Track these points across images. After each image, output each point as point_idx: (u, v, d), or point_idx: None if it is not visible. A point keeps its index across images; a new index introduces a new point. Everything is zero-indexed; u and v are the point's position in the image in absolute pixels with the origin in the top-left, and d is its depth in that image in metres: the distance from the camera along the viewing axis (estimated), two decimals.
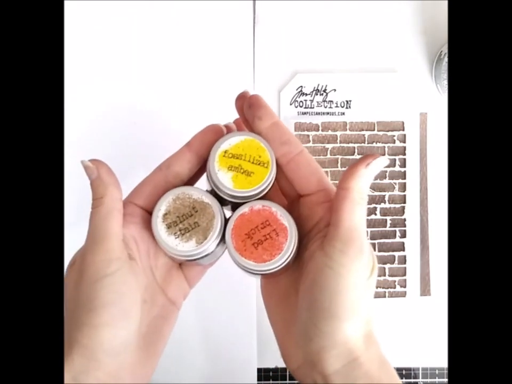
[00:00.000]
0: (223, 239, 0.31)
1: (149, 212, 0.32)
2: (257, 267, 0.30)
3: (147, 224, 0.32)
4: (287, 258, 0.30)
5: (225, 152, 0.31)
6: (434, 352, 0.53)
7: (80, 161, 0.31)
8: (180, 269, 0.34)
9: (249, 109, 0.31)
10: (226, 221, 0.31)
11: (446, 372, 0.53)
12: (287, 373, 0.54)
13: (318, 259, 0.30)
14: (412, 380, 0.53)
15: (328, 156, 0.54)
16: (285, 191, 0.33)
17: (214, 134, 0.31)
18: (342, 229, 0.29)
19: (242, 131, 0.33)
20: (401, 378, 0.53)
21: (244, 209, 0.31)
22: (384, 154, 0.54)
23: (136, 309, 0.30)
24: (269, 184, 0.31)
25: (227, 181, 0.30)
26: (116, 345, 0.29)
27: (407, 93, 0.54)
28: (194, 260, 0.31)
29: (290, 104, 0.54)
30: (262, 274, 0.31)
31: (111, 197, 0.30)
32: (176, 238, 0.30)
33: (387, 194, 0.54)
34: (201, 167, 0.33)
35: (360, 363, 0.29)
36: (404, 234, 0.54)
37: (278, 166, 0.31)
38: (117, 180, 0.31)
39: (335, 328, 0.29)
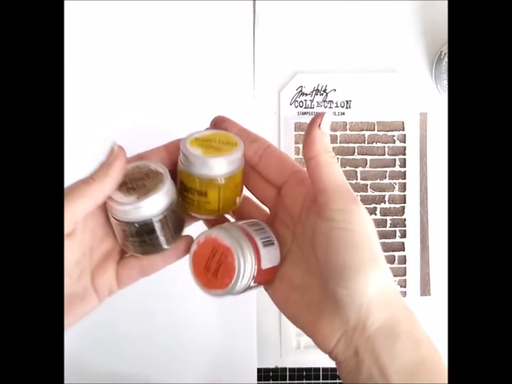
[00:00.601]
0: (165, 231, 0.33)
1: None
2: (227, 292, 0.31)
3: (104, 206, 0.33)
4: (245, 270, 0.31)
5: (196, 138, 0.33)
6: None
7: (113, 142, 0.33)
8: (116, 264, 0.35)
9: (215, 126, 0.35)
10: (173, 194, 0.33)
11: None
12: (287, 373, 0.54)
13: (322, 228, 0.30)
14: None
15: None
16: (264, 194, 0.35)
17: None
18: (329, 190, 0.30)
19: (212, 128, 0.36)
20: None
21: (193, 247, 0.33)
22: (384, 155, 0.54)
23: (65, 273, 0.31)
24: (238, 158, 0.32)
25: (197, 151, 0.32)
26: None
27: (407, 93, 0.54)
28: (128, 222, 0.32)
29: (290, 104, 0.54)
30: (245, 291, 0.32)
31: (100, 187, 0.31)
32: (120, 193, 0.32)
33: (387, 194, 0.54)
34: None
35: (400, 319, 0.30)
36: (404, 234, 0.54)
37: (252, 166, 0.34)
38: (119, 178, 0.32)
39: (365, 282, 0.29)
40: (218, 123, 0.35)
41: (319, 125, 0.31)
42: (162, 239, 0.33)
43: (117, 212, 0.32)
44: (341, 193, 0.30)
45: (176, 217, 0.33)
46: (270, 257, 0.33)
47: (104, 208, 0.34)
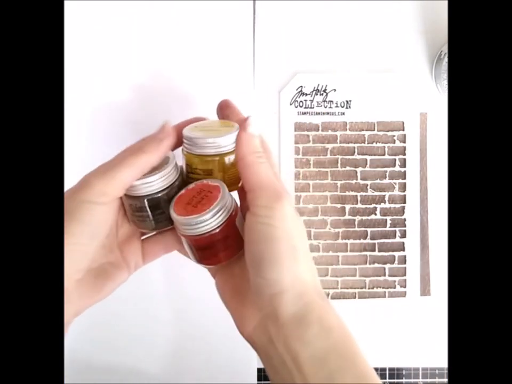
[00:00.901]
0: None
1: None
2: (202, 216, 0.33)
3: None
4: (225, 204, 0.34)
5: (196, 126, 0.37)
6: (434, 352, 0.53)
7: (165, 121, 0.36)
8: (140, 241, 0.38)
9: (220, 110, 0.39)
10: (179, 178, 0.36)
11: (446, 372, 0.53)
12: None
13: (248, 222, 0.33)
14: (412, 380, 0.53)
15: (328, 155, 0.54)
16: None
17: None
18: (254, 189, 0.33)
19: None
20: (402, 378, 0.53)
21: (181, 192, 0.35)
22: (384, 155, 0.54)
23: (98, 240, 0.34)
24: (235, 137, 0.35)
25: (198, 133, 0.35)
26: (76, 255, 0.33)
27: (407, 93, 0.54)
28: (136, 197, 0.35)
29: (290, 104, 0.54)
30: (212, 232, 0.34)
31: (149, 159, 0.34)
32: None
33: (387, 194, 0.54)
34: None
35: (312, 308, 0.31)
36: (403, 234, 0.54)
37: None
38: (166, 154, 0.36)
39: (280, 273, 0.32)
40: (223, 108, 0.39)
41: (246, 127, 0.33)
42: (167, 215, 0.35)
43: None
44: (265, 191, 0.32)
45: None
46: (239, 219, 0.35)
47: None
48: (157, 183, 0.34)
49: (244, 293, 0.35)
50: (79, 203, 0.32)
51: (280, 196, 0.32)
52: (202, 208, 0.33)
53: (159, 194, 0.35)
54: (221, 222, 0.33)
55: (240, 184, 0.37)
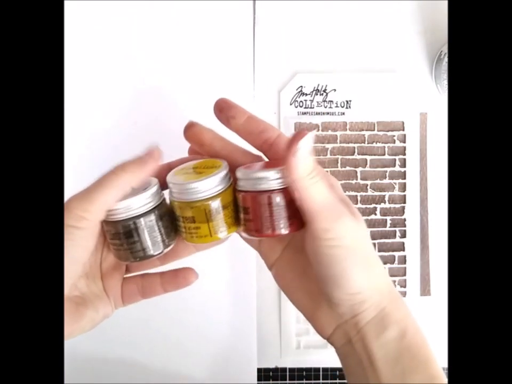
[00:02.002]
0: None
1: None
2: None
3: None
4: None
5: (182, 168, 0.34)
6: (434, 352, 0.53)
7: (154, 144, 0.33)
8: (122, 278, 0.36)
9: (220, 113, 0.34)
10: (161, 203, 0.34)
11: (446, 371, 0.53)
12: (287, 373, 0.54)
13: (312, 245, 0.32)
14: None
15: (328, 155, 0.54)
16: None
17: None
18: (312, 212, 0.31)
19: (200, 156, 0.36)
20: None
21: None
22: (384, 155, 0.54)
23: (78, 266, 0.32)
24: (218, 179, 0.32)
25: (179, 178, 0.33)
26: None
27: (407, 93, 0.54)
28: (112, 222, 0.32)
29: (290, 104, 0.54)
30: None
31: (129, 179, 0.32)
32: None
33: (387, 194, 0.54)
34: None
35: (389, 312, 0.33)
36: (404, 234, 0.54)
37: (263, 153, 0.34)
38: (148, 177, 0.33)
39: (358, 287, 0.32)
40: (225, 110, 0.34)
41: (296, 152, 0.30)
42: (146, 243, 0.33)
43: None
44: (324, 213, 0.31)
45: (163, 223, 0.34)
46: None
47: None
48: (134, 206, 0.32)
49: (314, 294, 0.34)
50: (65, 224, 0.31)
51: (338, 214, 0.31)
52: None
53: (135, 220, 0.32)
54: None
55: (231, 231, 0.34)
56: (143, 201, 0.32)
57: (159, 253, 0.33)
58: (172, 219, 0.34)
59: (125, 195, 0.32)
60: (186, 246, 0.36)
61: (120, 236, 0.32)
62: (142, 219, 0.32)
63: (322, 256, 0.32)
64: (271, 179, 0.32)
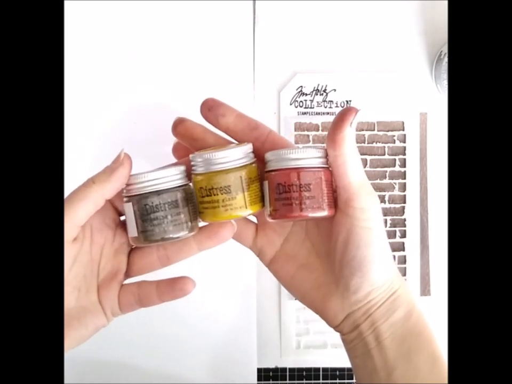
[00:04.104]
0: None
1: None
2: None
3: (112, 224, 0.35)
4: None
5: (204, 150, 0.34)
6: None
7: (122, 149, 0.33)
8: (120, 286, 0.35)
9: (209, 112, 0.34)
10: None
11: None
12: (287, 373, 0.54)
13: (344, 223, 0.32)
14: None
15: None
16: None
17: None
18: (353, 188, 0.31)
19: None
20: None
21: None
22: (384, 155, 0.54)
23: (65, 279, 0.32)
24: (249, 150, 0.33)
25: (207, 152, 0.33)
26: None
27: (407, 93, 0.54)
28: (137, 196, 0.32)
29: (290, 104, 0.54)
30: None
31: (99, 190, 0.32)
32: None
33: (387, 194, 0.54)
34: None
35: (399, 295, 0.34)
36: (404, 234, 0.54)
37: (255, 150, 0.34)
38: (120, 185, 0.32)
39: (379, 272, 0.33)
40: (213, 108, 0.34)
41: (351, 122, 0.31)
42: (168, 220, 0.32)
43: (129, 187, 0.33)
44: (364, 192, 0.32)
45: (190, 204, 0.33)
46: None
47: (112, 226, 0.34)
48: (165, 180, 0.32)
49: (323, 284, 0.35)
50: None
51: (375, 195, 0.32)
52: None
53: (167, 193, 0.32)
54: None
55: (263, 205, 0.34)
56: (176, 176, 0.33)
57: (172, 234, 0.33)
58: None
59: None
60: (189, 245, 0.35)
61: (149, 211, 0.32)
62: (174, 192, 0.33)
63: (355, 236, 0.32)
64: (321, 156, 0.32)
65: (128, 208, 0.33)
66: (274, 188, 0.32)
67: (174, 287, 0.35)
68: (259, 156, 0.34)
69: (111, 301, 0.35)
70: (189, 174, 0.34)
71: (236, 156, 0.32)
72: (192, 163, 0.33)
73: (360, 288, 0.33)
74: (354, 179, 0.31)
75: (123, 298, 0.35)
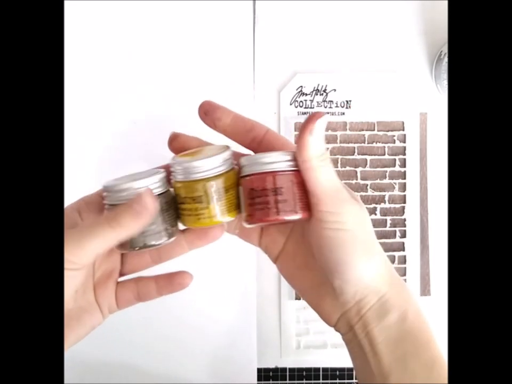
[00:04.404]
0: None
1: None
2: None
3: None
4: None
5: (184, 154, 0.34)
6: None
7: (147, 189, 0.32)
8: (116, 284, 0.36)
9: (206, 116, 0.34)
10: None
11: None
12: (287, 373, 0.54)
13: (314, 227, 0.32)
14: None
15: (328, 156, 0.54)
16: None
17: None
18: (318, 193, 0.31)
19: None
20: None
21: None
22: (384, 155, 0.54)
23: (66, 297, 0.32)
24: (224, 158, 0.33)
25: (183, 159, 0.33)
26: None
27: (407, 93, 0.54)
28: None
29: (290, 104, 0.54)
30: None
31: (124, 233, 0.31)
32: (116, 181, 0.33)
33: (387, 194, 0.54)
34: None
35: (388, 298, 0.33)
36: (403, 234, 0.54)
37: (253, 151, 0.34)
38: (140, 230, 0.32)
39: (359, 272, 0.32)
40: (210, 112, 0.34)
41: (312, 131, 0.31)
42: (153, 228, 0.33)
43: (109, 196, 0.32)
44: (330, 196, 0.31)
45: (167, 211, 0.33)
46: None
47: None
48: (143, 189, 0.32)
49: (318, 284, 0.35)
50: None
51: (343, 199, 0.32)
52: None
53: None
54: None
55: (238, 211, 0.34)
56: (155, 184, 0.32)
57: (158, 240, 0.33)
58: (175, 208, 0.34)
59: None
60: (180, 244, 0.36)
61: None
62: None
63: (325, 239, 0.32)
64: (293, 159, 0.32)
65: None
66: (247, 193, 0.33)
67: (172, 282, 0.36)
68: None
69: (108, 299, 0.35)
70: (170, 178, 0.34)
71: (211, 165, 0.32)
72: (171, 169, 0.33)
73: (343, 289, 0.33)
74: (321, 183, 0.31)
75: (121, 295, 0.36)
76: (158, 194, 0.33)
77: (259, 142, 0.34)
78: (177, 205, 0.34)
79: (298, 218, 0.32)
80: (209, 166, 0.32)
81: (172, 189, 0.34)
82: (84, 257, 0.30)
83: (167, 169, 0.34)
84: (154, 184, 0.32)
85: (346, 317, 0.34)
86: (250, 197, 0.32)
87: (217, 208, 0.33)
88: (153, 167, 0.35)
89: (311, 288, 0.35)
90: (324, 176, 0.31)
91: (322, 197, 0.31)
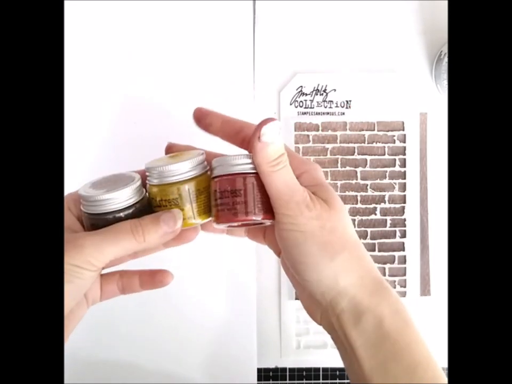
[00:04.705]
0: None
1: None
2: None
3: None
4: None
5: (159, 159, 0.36)
6: (434, 352, 0.53)
7: (177, 211, 0.34)
8: (100, 277, 0.37)
9: (199, 122, 0.37)
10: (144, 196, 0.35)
11: (446, 371, 0.53)
12: (287, 373, 0.54)
13: (276, 228, 0.34)
14: None
15: (328, 156, 0.54)
16: None
17: None
18: (273, 197, 0.33)
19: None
20: None
21: None
22: (384, 155, 0.54)
23: (71, 302, 0.33)
24: (197, 162, 0.34)
25: (157, 163, 0.34)
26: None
27: (407, 93, 0.54)
28: (96, 214, 0.33)
29: (290, 104, 0.54)
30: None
31: (144, 247, 0.33)
32: (94, 189, 0.33)
33: (387, 194, 0.54)
34: None
35: (356, 302, 0.33)
36: (403, 234, 0.54)
37: (247, 150, 0.35)
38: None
39: (318, 273, 0.33)
40: (202, 118, 0.36)
41: (259, 137, 0.32)
42: None
43: (86, 205, 0.33)
44: (284, 200, 0.32)
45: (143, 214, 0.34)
46: None
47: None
48: (118, 200, 0.33)
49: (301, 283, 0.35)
50: (68, 266, 0.31)
51: (299, 202, 0.32)
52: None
53: (121, 212, 0.33)
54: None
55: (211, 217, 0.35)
56: (130, 194, 0.33)
57: None
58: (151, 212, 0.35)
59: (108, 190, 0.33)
60: (156, 246, 0.37)
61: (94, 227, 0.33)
62: (127, 210, 0.33)
63: (284, 240, 0.33)
64: (251, 162, 0.33)
65: (85, 220, 0.34)
66: (213, 194, 0.34)
67: (154, 278, 0.37)
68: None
69: (94, 292, 0.37)
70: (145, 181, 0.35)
71: (185, 169, 0.34)
72: (146, 173, 0.35)
73: (309, 289, 0.34)
74: (274, 187, 0.32)
75: (106, 288, 0.37)
76: (134, 204, 0.34)
77: (249, 141, 0.35)
78: (153, 208, 0.35)
79: (258, 220, 0.33)
80: (183, 169, 0.33)
81: (147, 193, 0.35)
82: (103, 261, 0.32)
83: (142, 174, 0.35)
84: (130, 194, 0.33)
85: (326, 317, 0.34)
86: (215, 198, 0.34)
87: (192, 211, 0.34)
88: (129, 170, 0.36)
89: (298, 285, 0.36)
90: (277, 180, 0.32)
91: (276, 199, 0.32)
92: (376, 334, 0.32)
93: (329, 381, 0.54)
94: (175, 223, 0.33)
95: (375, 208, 0.54)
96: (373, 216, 0.54)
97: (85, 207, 0.33)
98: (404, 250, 0.54)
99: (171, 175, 0.33)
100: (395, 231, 0.54)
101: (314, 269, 0.33)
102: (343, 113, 0.54)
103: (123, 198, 0.33)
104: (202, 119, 0.36)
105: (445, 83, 0.51)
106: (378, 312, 0.32)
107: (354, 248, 0.34)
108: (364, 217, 0.54)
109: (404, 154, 0.54)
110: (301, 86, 0.54)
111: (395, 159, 0.54)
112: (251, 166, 0.33)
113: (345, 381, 0.54)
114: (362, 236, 0.54)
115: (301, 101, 0.54)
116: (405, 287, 0.54)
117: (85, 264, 0.31)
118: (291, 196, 0.32)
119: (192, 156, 0.34)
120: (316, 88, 0.54)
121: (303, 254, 0.32)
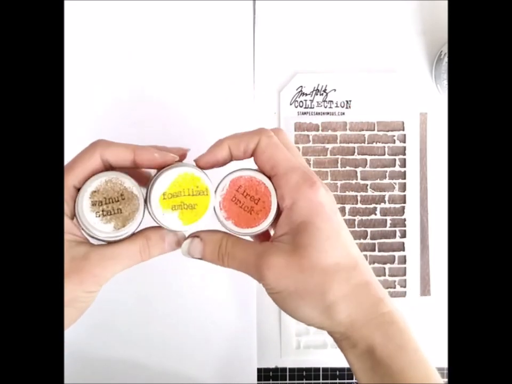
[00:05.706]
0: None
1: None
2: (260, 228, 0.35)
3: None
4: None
5: (164, 194, 0.32)
6: (434, 352, 0.53)
7: (178, 235, 0.35)
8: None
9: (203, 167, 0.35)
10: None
11: (446, 371, 0.53)
12: (287, 373, 0.54)
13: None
14: None
15: (328, 156, 0.54)
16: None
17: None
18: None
19: (172, 166, 0.34)
20: None
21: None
22: (384, 155, 0.54)
23: (70, 323, 0.34)
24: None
25: (175, 220, 0.33)
26: None
27: (407, 93, 0.54)
28: (105, 241, 0.33)
29: (290, 104, 0.54)
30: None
31: (139, 261, 0.34)
32: (97, 216, 0.32)
33: (387, 194, 0.54)
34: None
35: (349, 335, 0.34)
36: (403, 234, 0.54)
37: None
38: None
39: (299, 318, 0.35)
40: (202, 166, 0.35)
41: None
42: None
43: (93, 236, 0.33)
44: (248, 273, 0.35)
45: None
46: None
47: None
48: (127, 233, 0.33)
49: None
50: (80, 292, 0.32)
51: (259, 276, 0.34)
52: (258, 218, 0.34)
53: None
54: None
55: None
56: (137, 225, 0.33)
57: None
58: None
59: None
60: None
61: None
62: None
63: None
64: None
65: (86, 234, 0.34)
66: None
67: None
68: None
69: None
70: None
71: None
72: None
73: (305, 323, 0.35)
74: (235, 268, 0.35)
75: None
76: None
77: (249, 155, 0.35)
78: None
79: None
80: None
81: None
82: (107, 280, 0.32)
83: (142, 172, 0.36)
84: (139, 221, 0.33)
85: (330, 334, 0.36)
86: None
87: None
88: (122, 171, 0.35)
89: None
90: (232, 266, 0.35)
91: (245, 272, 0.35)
92: (370, 359, 0.33)
93: (329, 381, 0.54)
94: (178, 246, 0.35)
95: (375, 208, 0.54)
96: (373, 216, 0.54)
97: (88, 232, 0.32)
98: (404, 250, 0.54)
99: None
100: (395, 231, 0.54)
101: (304, 317, 0.34)
102: (343, 113, 0.54)
103: (131, 230, 0.33)
104: (203, 166, 0.35)
105: (445, 83, 0.51)
106: (370, 342, 0.33)
107: (343, 274, 0.33)
108: (364, 217, 0.54)
109: (404, 154, 0.54)
110: (301, 86, 0.54)
111: (395, 159, 0.54)
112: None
113: (345, 381, 0.54)
114: (362, 235, 0.54)
115: (301, 101, 0.54)
116: (405, 287, 0.54)
117: (89, 286, 0.32)
118: (252, 272, 0.34)
119: (209, 203, 0.33)
120: (315, 88, 0.54)
121: (289, 309, 0.34)
